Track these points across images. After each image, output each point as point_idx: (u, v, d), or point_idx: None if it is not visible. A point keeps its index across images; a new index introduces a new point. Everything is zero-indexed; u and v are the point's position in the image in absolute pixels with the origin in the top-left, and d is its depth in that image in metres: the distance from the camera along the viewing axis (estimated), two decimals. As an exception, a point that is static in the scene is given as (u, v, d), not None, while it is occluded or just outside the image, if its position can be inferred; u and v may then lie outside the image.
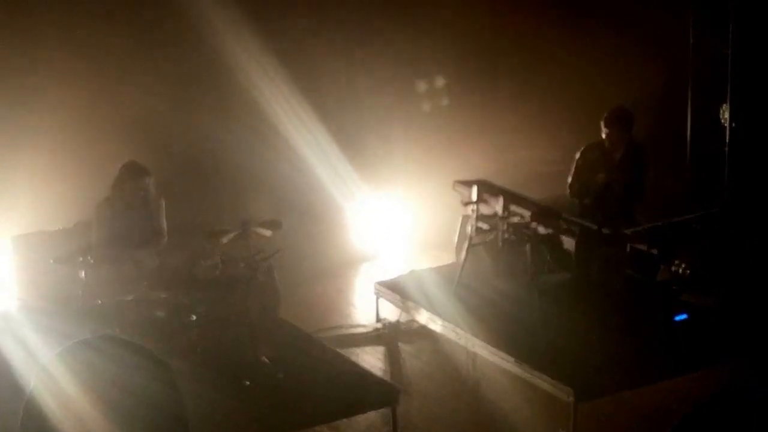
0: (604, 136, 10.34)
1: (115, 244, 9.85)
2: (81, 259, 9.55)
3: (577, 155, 10.53)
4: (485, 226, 10.11)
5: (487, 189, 10.25)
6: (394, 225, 12.33)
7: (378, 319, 10.67)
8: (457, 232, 10.69)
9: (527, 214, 9.86)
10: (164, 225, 10.10)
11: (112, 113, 10.95)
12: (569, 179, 10.54)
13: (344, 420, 8.75)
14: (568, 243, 9.67)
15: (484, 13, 12.34)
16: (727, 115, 11.31)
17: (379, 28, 11.99)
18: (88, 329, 8.71)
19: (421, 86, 12.22)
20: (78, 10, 10.81)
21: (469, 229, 10.23)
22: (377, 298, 10.71)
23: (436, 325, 10.01)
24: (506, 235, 9.91)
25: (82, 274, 9.49)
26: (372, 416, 8.83)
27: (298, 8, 11.58)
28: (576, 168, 10.51)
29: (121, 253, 9.84)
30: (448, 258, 10.94)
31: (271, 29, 11.36)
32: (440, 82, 12.46)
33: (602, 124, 10.34)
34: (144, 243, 10.01)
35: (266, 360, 9.35)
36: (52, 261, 9.74)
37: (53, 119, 10.79)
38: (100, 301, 9.41)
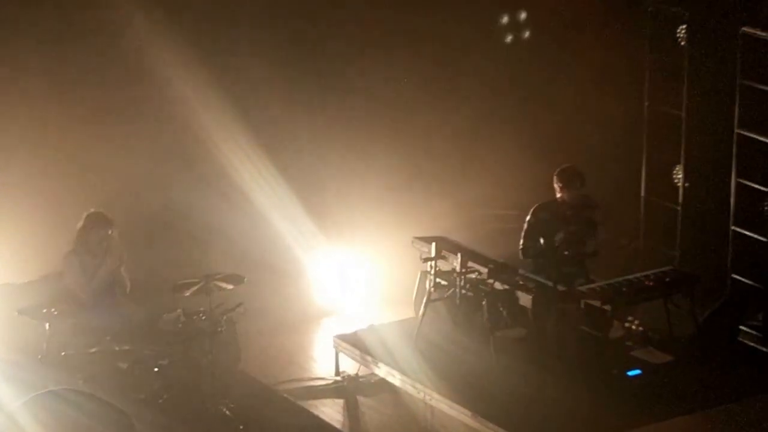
0: (558, 192, 10.56)
1: (85, 294, 9.91)
2: (45, 311, 9.63)
3: (529, 216, 10.68)
4: (443, 282, 10.27)
5: (446, 246, 10.42)
6: (354, 280, 12.40)
7: (338, 373, 10.76)
8: (416, 288, 10.77)
9: (484, 270, 10.04)
10: (126, 279, 10.16)
11: (77, 168, 10.98)
12: (521, 241, 10.68)
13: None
14: (524, 299, 9.84)
15: (442, 71, 12.49)
16: (680, 176, 11.52)
17: (339, 83, 12.10)
18: (52, 380, 8.75)
19: (381, 142, 12.30)
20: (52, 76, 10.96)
21: (427, 284, 10.37)
22: (336, 352, 10.81)
23: (395, 379, 10.11)
24: (464, 291, 10.09)
25: (47, 325, 9.56)
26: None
27: (256, 61, 11.67)
28: (528, 227, 10.65)
29: (91, 304, 9.89)
30: (407, 313, 11.01)
31: (231, 84, 11.47)
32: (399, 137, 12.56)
33: (555, 179, 10.57)
34: (108, 296, 10.06)
35: (227, 412, 9.45)
36: (17, 312, 9.81)
37: (19, 172, 10.85)
38: (64, 353, 9.47)
